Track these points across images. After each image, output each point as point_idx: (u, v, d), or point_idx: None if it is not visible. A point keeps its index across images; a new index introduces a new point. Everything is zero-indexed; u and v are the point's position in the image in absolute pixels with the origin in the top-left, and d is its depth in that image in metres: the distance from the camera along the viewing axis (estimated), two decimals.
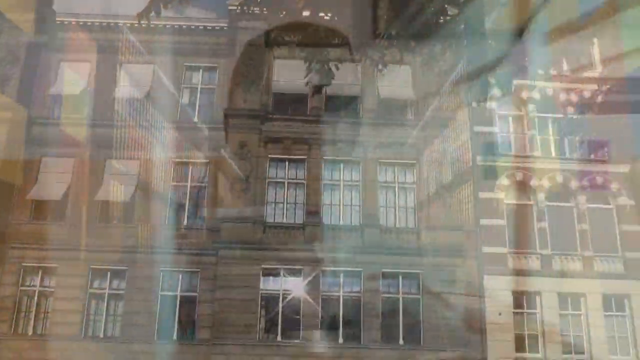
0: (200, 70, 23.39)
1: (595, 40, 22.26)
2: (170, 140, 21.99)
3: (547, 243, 21.58)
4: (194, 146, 21.96)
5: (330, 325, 19.81)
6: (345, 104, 22.29)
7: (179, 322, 20.34)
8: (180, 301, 20.47)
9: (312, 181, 21.31)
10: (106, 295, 20.68)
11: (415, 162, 21.69)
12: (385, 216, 21.29)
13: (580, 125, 22.65)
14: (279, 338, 19.66)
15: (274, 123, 21.61)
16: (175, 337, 20.16)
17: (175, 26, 23.13)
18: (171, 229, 21.16)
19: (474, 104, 22.20)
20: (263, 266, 20.05)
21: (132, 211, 21.44)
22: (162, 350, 19.57)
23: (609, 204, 22.38)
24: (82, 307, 20.33)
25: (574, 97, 22.95)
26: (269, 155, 21.46)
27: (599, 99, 22.41)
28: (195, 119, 22.73)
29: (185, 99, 23.12)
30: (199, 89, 23.21)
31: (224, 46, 23.17)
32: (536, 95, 22.89)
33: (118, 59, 23.11)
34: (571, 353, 20.48)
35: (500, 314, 20.31)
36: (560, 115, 22.97)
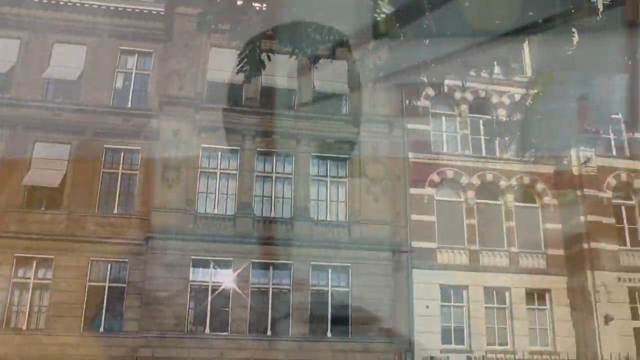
0: (136, 55, 22.78)
1: (525, 45, 22.97)
2: (102, 124, 21.34)
3: (475, 239, 22.24)
4: (127, 132, 21.41)
5: (259, 318, 19.80)
6: (281, 96, 22.19)
7: (107, 313, 19.78)
8: (108, 292, 19.95)
9: (245, 172, 21.12)
10: (31, 284, 19.87)
11: (348, 156, 21.88)
12: (316, 210, 21.39)
13: (510, 127, 23.33)
14: (207, 330, 19.48)
15: (209, 112, 21.29)
16: (102, 329, 19.62)
17: (111, 7, 22.48)
18: (101, 217, 20.60)
19: (407, 102, 22.64)
20: (193, 257, 19.74)
21: (60, 197, 20.75)
22: (89, 343, 18.98)
23: (535, 203, 23.26)
24: (5, 297, 19.43)
25: (505, 100, 23.71)
26: (202, 145, 21.14)
27: (528, 102, 23.11)
28: (129, 104, 22.23)
29: (119, 84, 22.51)
30: (133, 74, 22.61)
31: (161, 32, 22.66)
32: (469, 96, 23.54)
33: (50, 37, 22.24)
34: (495, 344, 21.20)
35: (427, 307, 20.84)
36: (491, 117, 23.70)
